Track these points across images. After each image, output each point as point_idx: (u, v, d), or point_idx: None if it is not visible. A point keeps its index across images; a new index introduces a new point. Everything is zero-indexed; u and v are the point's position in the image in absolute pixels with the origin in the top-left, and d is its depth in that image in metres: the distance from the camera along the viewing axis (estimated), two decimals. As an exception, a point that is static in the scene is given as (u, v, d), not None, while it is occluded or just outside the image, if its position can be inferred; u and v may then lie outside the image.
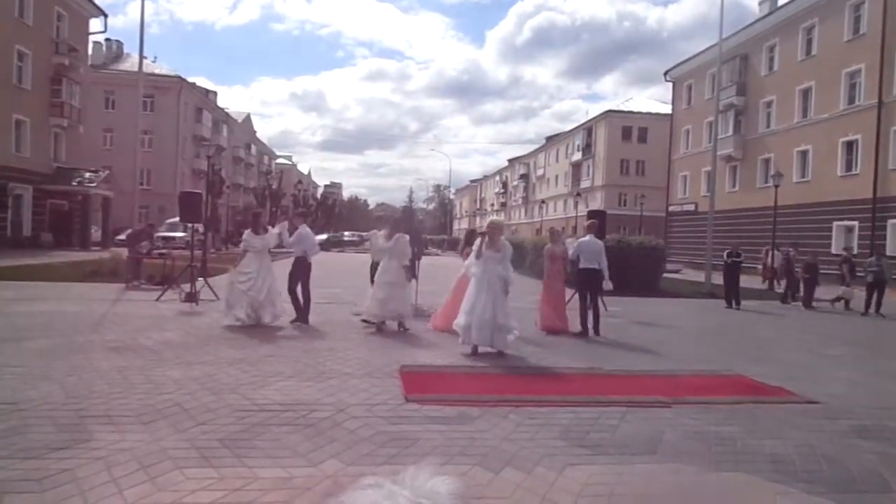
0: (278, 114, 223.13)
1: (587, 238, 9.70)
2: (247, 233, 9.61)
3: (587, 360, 7.68)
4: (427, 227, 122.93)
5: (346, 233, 66.31)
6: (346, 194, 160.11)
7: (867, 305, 14.97)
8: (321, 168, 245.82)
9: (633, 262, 17.38)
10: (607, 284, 9.37)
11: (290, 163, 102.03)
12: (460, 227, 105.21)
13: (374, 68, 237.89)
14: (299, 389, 5.59)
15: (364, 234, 57.51)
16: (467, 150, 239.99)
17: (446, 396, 5.53)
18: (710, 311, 14.39)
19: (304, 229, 9.76)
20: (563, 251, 10.12)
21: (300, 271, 9.59)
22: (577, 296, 9.89)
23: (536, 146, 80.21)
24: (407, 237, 9.51)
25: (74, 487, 3.37)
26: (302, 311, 9.43)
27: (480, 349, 7.64)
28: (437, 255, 53.11)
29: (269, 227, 9.82)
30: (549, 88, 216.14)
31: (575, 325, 9.63)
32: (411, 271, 10.10)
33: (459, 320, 7.72)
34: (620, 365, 7.39)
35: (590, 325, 9.50)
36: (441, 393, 5.67)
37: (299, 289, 9.55)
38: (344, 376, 6.18)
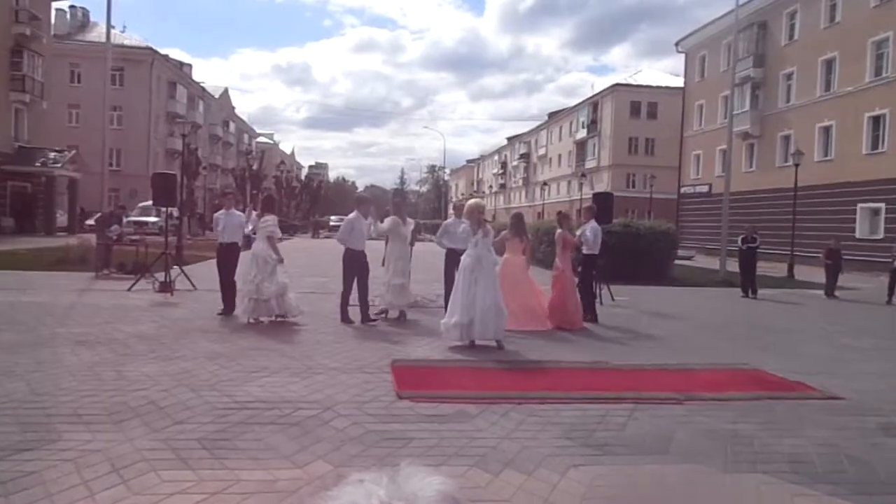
0: (259, 88, 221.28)
1: (592, 224, 9.73)
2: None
3: (593, 353, 7.70)
4: (420, 210, 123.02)
5: (333, 217, 66.21)
6: (332, 176, 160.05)
7: (890, 293, 15.08)
8: (306, 147, 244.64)
9: (643, 248, 17.41)
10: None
11: (271, 142, 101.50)
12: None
13: (365, 38, 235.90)
14: (284, 386, 5.60)
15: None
16: (464, 127, 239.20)
17: (442, 393, 5.54)
18: (726, 301, 14.45)
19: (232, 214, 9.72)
20: (575, 237, 10.08)
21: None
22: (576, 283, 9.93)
23: (540, 123, 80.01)
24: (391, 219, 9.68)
25: (42, 491, 3.36)
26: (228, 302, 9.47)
27: (478, 341, 7.65)
28: (432, 241, 53.00)
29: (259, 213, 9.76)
30: (553, 60, 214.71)
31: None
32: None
33: (455, 318, 7.53)
34: (629, 358, 7.41)
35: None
36: (436, 389, 5.68)
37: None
38: (332, 371, 6.18)
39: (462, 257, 7.86)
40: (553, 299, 9.53)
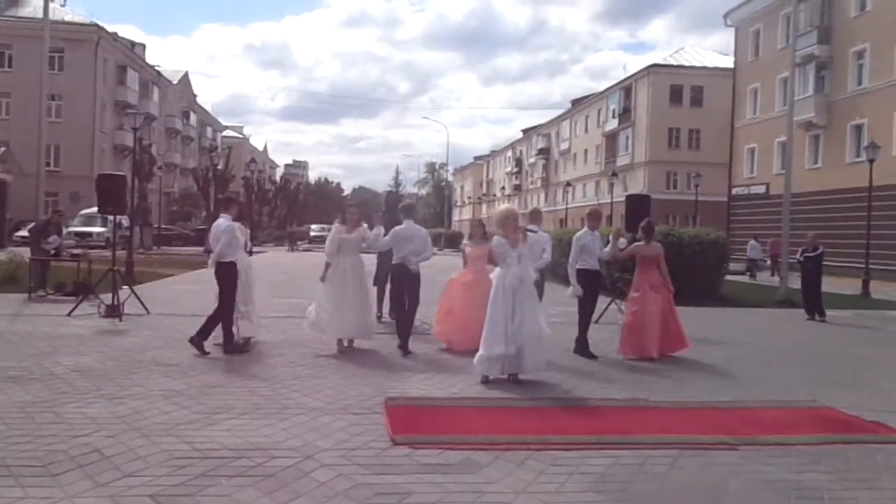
0: (227, 72, 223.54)
1: (584, 231, 9.82)
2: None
3: (628, 388, 7.68)
4: (419, 217, 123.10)
5: (314, 226, 66.47)
6: (314, 176, 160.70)
7: None
8: (282, 143, 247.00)
9: (687, 262, 17.39)
10: (576, 290, 9.49)
11: (241, 136, 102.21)
12: (461, 217, 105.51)
13: (355, 11, 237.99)
14: (255, 430, 5.60)
15: None
16: (473, 117, 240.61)
17: (445, 437, 5.53)
18: (787, 324, 14.43)
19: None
20: (657, 251, 10.03)
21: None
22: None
23: (562, 111, 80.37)
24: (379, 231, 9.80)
25: (-37, 560, 3.36)
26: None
27: (523, 375, 7.70)
28: (434, 253, 53.01)
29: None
30: (580, 36, 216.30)
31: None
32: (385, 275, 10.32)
33: (499, 349, 7.53)
34: (671, 395, 7.39)
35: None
36: (438, 433, 5.67)
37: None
38: (313, 412, 6.18)
39: (497, 275, 7.84)
40: (631, 324, 9.79)
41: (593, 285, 9.61)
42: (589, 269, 9.59)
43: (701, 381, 8.20)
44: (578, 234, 9.83)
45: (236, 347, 8.98)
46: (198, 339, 8.77)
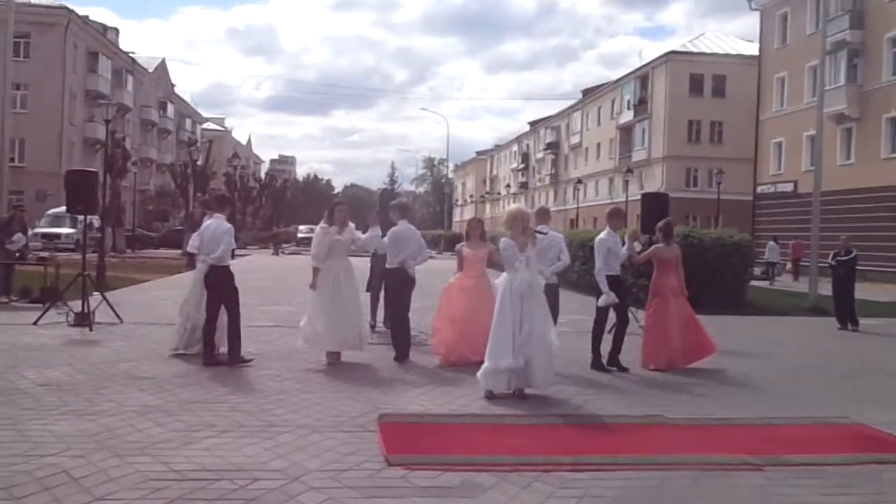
0: (208, 59, 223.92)
1: (607, 233, 9.79)
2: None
3: (644, 403, 7.69)
4: (417, 217, 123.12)
5: (302, 227, 66.41)
6: (302, 172, 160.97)
7: None
8: (268, 136, 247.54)
9: (708, 266, 17.39)
10: (609, 297, 9.44)
11: (222, 129, 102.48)
12: (462, 217, 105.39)
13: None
14: (237, 449, 5.60)
15: None
16: (475, 108, 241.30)
17: (444, 458, 5.53)
18: (817, 334, 14.45)
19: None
20: (677, 253, 10.07)
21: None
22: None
23: (572, 102, 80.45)
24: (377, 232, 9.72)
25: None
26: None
27: (530, 390, 7.70)
28: (432, 257, 52.89)
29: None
30: (593, 20, 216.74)
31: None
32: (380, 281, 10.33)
33: (507, 362, 7.52)
34: (691, 411, 7.40)
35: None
36: (437, 452, 5.67)
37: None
38: (300, 430, 6.18)
39: (502, 281, 7.85)
40: (650, 335, 9.84)
41: (619, 293, 9.54)
42: (615, 275, 9.55)
43: (723, 396, 8.20)
44: (601, 236, 9.70)
45: (216, 359, 8.98)
46: (233, 360, 8.95)
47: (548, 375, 7.70)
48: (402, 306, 9.85)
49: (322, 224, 9.63)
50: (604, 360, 9.48)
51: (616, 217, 10.06)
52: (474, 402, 7.49)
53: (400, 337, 9.79)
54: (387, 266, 9.89)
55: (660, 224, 10.18)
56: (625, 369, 9.42)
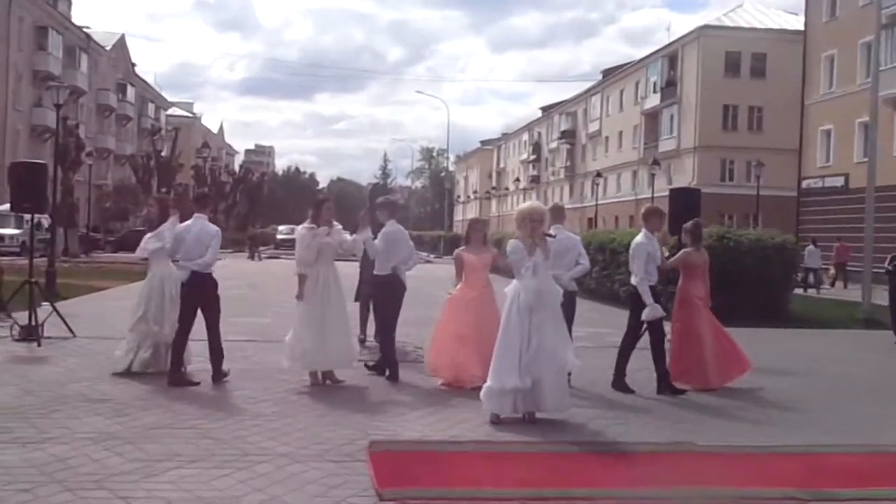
0: (174, 35, 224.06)
1: (643, 235, 9.79)
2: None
3: (671, 428, 7.71)
4: (413, 216, 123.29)
5: (282, 228, 66.39)
6: (281, 164, 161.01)
7: None
8: (242, 123, 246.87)
9: (746, 272, 17.42)
10: (654, 310, 9.46)
11: (190, 115, 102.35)
12: (465, 216, 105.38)
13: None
14: (207, 482, 5.62)
15: None
16: (480, 92, 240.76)
17: (445, 491, 5.56)
18: (870, 349, 14.43)
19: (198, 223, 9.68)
20: (706, 259, 10.13)
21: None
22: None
23: (591, 84, 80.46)
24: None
25: None
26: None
27: (541, 414, 7.72)
28: (429, 261, 52.95)
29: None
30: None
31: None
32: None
33: (512, 383, 7.55)
34: (725, 437, 7.41)
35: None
36: (436, 485, 5.70)
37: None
38: (280, 459, 6.21)
39: (510, 290, 7.87)
40: (677, 351, 9.84)
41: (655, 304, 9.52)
42: (652, 284, 9.52)
43: (762, 420, 8.22)
44: (639, 239, 9.63)
45: (184, 379, 9.03)
46: (217, 376, 9.15)
47: (559, 398, 7.72)
48: (395, 318, 9.92)
49: (307, 224, 9.49)
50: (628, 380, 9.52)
51: (654, 217, 9.91)
52: (478, 427, 7.51)
53: (393, 354, 9.85)
54: (375, 272, 9.90)
55: (687, 225, 10.16)
56: (681, 392, 9.39)
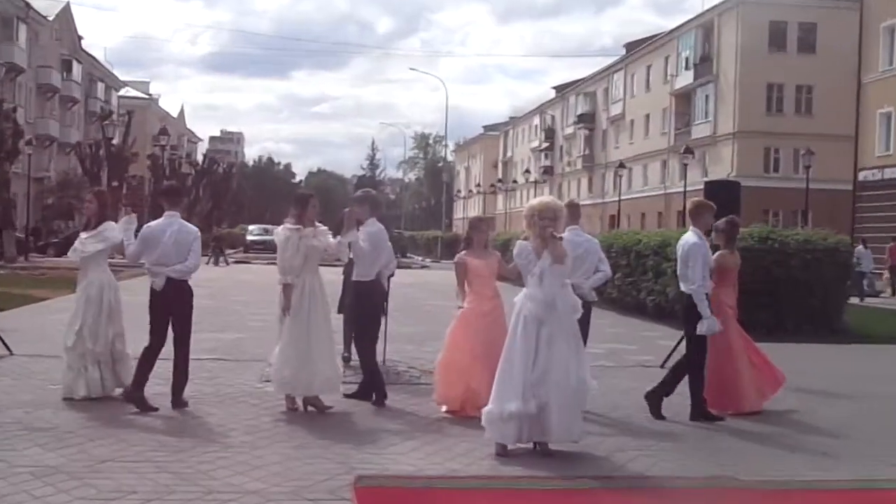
0: (128, 3, 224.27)
1: (693, 234, 9.73)
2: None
3: (709, 460, 7.69)
4: (405, 214, 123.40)
5: (252, 227, 66.52)
6: (252, 154, 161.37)
7: None
8: (207, 106, 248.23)
9: (793, 277, 17.41)
10: (713, 324, 9.38)
11: (146, 96, 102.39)
12: (465, 214, 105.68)
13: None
14: (166, 524, 5.59)
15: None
16: (483, 69, 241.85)
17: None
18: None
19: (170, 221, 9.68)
20: (738, 262, 10.14)
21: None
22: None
23: (612, 60, 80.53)
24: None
25: None
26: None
27: (554, 445, 7.68)
28: (426, 266, 53.14)
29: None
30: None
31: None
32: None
33: (514, 405, 7.50)
34: (769, 469, 7.39)
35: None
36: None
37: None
38: (250, 498, 6.19)
39: (518, 299, 7.84)
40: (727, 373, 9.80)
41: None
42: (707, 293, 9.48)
43: (810, 450, 8.19)
44: (693, 240, 9.50)
45: (143, 401, 8.98)
46: (179, 402, 9.09)
47: (570, 424, 7.59)
48: (377, 330, 9.96)
49: (290, 224, 9.38)
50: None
51: (706, 213, 9.82)
52: (481, 460, 7.48)
53: (379, 372, 9.84)
54: (357, 279, 9.86)
55: (720, 224, 10.00)
56: (718, 418, 9.33)
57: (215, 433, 8.15)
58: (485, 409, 7.68)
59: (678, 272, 9.67)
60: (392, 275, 10.98)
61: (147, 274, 9.44)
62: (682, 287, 9.54)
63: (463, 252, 9.65)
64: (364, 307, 9.97)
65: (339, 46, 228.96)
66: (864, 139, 44.22)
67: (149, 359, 9.16)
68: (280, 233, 9.52)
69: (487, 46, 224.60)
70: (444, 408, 9.35)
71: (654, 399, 9.44)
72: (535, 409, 7.46)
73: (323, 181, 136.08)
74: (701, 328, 9.25)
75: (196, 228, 9.47)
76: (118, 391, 9.46)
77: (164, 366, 9.27)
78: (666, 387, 9.52)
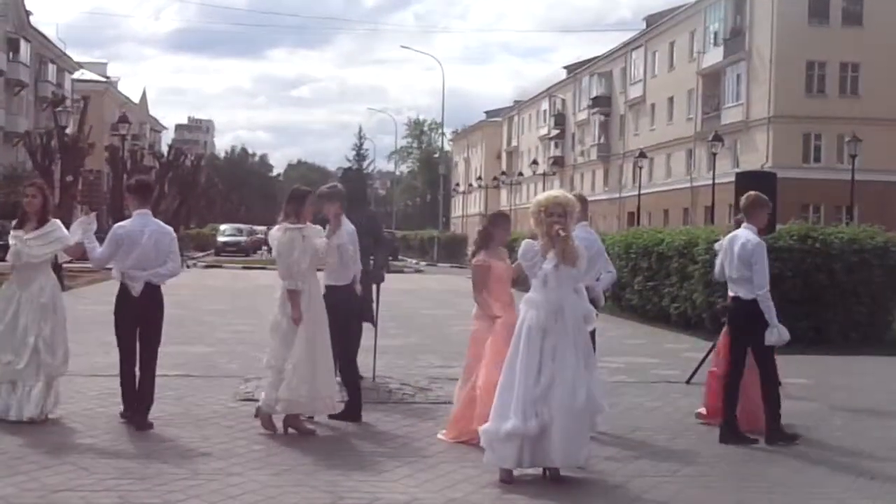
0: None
1: (747, 231, 9.73)
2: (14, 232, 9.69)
3: (738, 487, 7.72)
4: (398, 211, 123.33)
5: (224, 227, 66.43)
6: (224, 144, 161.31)
7: None
8: (173, 90, 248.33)
9: (838, 281, 17.43)
10: (782, 334, 9.38)
11: (104, 79, 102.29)
12: (465, 211, 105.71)
13: None
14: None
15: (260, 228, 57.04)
16: (485, 46, 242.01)
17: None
18: None
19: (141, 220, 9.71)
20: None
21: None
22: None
23: (631, 35, 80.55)
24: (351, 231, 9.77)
25: None
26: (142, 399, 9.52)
27: (518, 471, 7.67)
28: (420, 270, 53.14)
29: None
30: None
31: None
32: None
33: (511, 423, 7.50)
34: (811, 499, 7.42)
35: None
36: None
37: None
38: (223, 531, 6.21)
39: (523, 306, 7.88)
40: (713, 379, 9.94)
41: (758, 324, 9.43)
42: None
43: (860, 473, 8.20)
44: (754, 239, 9.49)
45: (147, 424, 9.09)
46: (144, 422, 9.10)
47: (574, 448, 7.58)
48: (358, 340, 10.10)
49: (289, 224, 9.34)
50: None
51: (761, 209, 9.81)
52: (482, 488, 7.49)
53: (354, 386, 9.90)
54: (330, 283, 9.86)
55: (739, 216, 10.06)
56: (752, 441, 9.32)
57: (184, 458, 8.13)
58: (482, 428, 7.67)
59: (731, 275, 9.61)
60: (382, 280, 11.04)
61: (117, 279, 9.36)
62: (738, 292, 9.53)
63: (482, 254, 9.35)
64: (343, 316, 9.86)
65: (321, 22, 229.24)
66: (917, 124, 44.31)
67: (129, 379, 9.23)
68: (278, 234, 9.45)
69: (489, 21, 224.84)
70: (441, 434, 9.25)
71: (776, 434, 9.34)
72: (536, 428, 7.45)
73: (303, 175, 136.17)
74: (770, 338, 9.29)
75: (171, 228, 9.54)
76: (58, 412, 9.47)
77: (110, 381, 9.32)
78: (774, 414, 9.43)
